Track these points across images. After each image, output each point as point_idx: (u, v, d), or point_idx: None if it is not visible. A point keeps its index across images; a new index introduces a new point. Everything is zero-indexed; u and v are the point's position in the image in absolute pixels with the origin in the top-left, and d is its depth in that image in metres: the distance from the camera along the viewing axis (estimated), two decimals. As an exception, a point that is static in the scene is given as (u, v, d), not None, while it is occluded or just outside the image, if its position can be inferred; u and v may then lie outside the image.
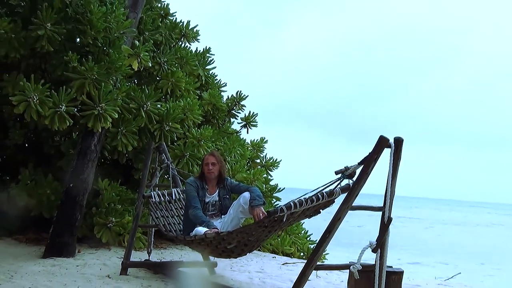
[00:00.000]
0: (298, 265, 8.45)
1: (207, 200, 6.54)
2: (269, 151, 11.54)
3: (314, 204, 5.13)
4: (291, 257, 9.92)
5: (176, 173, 7.71)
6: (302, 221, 9.82)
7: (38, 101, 7.75)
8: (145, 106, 8.95)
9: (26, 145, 10.25)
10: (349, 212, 4.91)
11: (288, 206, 5.07)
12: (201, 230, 6.17)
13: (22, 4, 8.49)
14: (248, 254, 6.52)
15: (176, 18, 11.14)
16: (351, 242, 5.76)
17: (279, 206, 5.47)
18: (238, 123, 11.46)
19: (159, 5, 11.08)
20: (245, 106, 11.40)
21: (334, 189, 5.02)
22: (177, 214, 7.16)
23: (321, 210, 5.54)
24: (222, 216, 6.44)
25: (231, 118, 11.45)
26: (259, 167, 11.09)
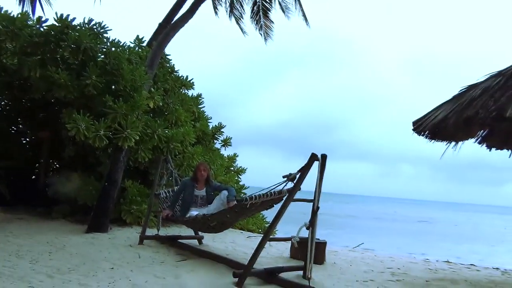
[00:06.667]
0: (258, 238, 8.41)
1: (196, 193, 6.57)
2: (244, 163, 11.52)
3: (268, 198, 5.19)
4: (253, 232, 9.92)
5: (177, 176, 7.70)
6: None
7: (85, 127, 7.71)
8: (157, 131, 8.89)
9: (76, 157, 10.10)
10: (292, 202, 4.97)
11: (250, 197, 5.18)
12: (194, 213, 6.20)
13: (76, 62, 8.42)
14: (224, 231, 6.55)
15: (179, 73, 11.15)
16: (292, 223, 5.81)
17: (244, 197, 5.57)
18: (219, 143, 11.51)
19: (168, 65, 11.07)
20: (224, 132, 11.48)
21: (282, 189, 5.07)
22: (177, 204, 7.13)
23: (274, 205, 5.59)
24: (208, 205, 6.47)
25: (214, 140, 11.46)
26: (232, 172, 11.10)
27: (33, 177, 11.23)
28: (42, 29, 8.43)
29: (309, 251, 4.87)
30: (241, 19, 13.10)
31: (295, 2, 12.59)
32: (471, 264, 7.57)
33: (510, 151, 6.57)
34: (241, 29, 13.18)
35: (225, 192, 6.22)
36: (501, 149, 6.51)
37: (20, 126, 11.55)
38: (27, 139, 11.68)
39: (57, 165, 11.47)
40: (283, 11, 12.84)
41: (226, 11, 13.04)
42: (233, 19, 13.08)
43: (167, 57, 11.06)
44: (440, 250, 14.00)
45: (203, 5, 10.63)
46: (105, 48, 8.50)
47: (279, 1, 12.83)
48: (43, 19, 8.45)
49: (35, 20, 8.60)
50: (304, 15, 12.65)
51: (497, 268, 7.32)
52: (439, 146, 6.33)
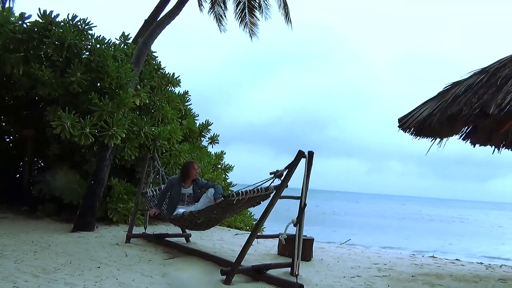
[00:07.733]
0: (245, 235, 8.41)
1: (183, 192, 6.54)
2: (233, 160, 11.48)
3: (254, 195, 5.21)
4: (240, 230, 9.93)
5: (164, 174, 7.67)
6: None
7: (70, 125, 7.65)
8: (143, 129, 8.84)
9: (62, 155, 9.99)
10: (279, 200, 4.99)
11: (237, 193, 5.20)
12: (180, 211, 6.19)
13: (60, 59, 8.33)
14: (211, 228, 6.55)
15: (165, 70, 11.05)
16: (280, 220, 5.84)
17: (231, 193, 5.59)
18: (206, 141, 11.49)
19: (154, 62, 11.00)
20: (211, 130, 11.45)
21: (269, 186, 5.08)
22: (164, 202, 7.11)
23: (261, 202, 5.60)
24: (196, 203, 6.46)
25: (202, 138, 11.43)
26: (219, 170, 11.09)
27: (18, 175, 11.10)
28: (25, 25, 8.30)
29: (297, 248, 4.89)
30: (223, 16, 13.06)
31: (280, 2, 12.59)
32: (456, 259, 7.70)
33: (493, 147, 6.69)
34: (219, 26, 13.12)
35: (211, 190, 6.22)
36: (485, 145, 6.62)
37: (4, 124, 11.41)
38: (11, 137, 11.54)
39: (42, 164, 11.35)
40: (262, 12, 12.84)
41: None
42: (212, 15, 13.02)
43: (153, 54, 10.99)
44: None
45: (189, 2, 10.58)
46: (89, 45, 8.44)
47: (258, 1, 12.82)
48: (26, 15, 8.34)
49: (17, 16, 8.49)
50: (286, 15, 12.64)
51: (481, 263, 7.46)
52: (425, 142, 6.41)
